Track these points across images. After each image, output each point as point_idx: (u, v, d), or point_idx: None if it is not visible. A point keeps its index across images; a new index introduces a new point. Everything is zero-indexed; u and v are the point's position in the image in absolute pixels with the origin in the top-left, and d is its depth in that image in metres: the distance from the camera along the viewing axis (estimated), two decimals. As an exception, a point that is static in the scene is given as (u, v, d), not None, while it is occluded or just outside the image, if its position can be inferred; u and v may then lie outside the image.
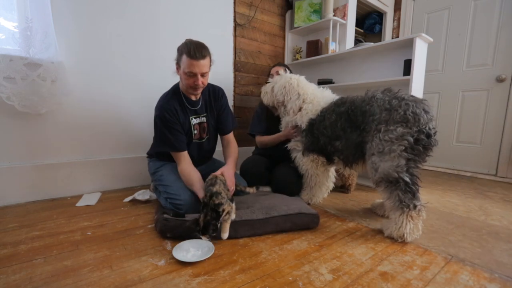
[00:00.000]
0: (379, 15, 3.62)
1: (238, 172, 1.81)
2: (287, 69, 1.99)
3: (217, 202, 1.12)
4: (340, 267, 1.00)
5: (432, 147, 1.20)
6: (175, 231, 1.17)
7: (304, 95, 1.62)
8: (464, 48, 2.72)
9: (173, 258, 1.01)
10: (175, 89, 1.51)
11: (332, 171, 1.72)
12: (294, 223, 1.29)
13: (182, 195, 1.35)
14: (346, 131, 1.40)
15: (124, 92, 1.92)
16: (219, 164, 1.66)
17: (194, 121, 1.53)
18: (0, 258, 1.00)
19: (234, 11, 2.46)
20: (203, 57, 1.32)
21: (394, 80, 1.98)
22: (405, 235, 1.18)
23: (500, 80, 2.48)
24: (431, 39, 1.92)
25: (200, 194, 1.30)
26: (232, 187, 1.34)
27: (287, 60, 2.94)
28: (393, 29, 3.43)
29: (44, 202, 1.63)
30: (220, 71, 2.39)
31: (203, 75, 1.36)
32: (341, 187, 2.01)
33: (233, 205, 1.21)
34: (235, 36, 2.50)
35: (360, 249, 1.14)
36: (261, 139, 1.92)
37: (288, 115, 1.68)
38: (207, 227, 1.08)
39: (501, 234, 1.31)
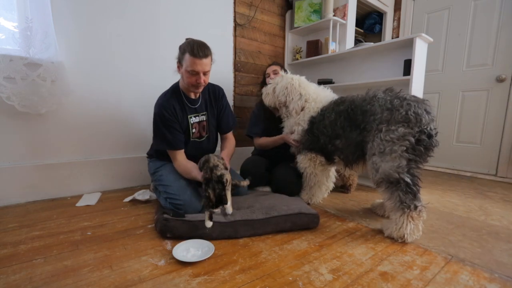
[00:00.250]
0: (379, 15, 3.62)
1: (238, 172, 1.81)
2: (283, 69, 1.99)
3: (219, 173, 1.19)
4: (340, 267, 1.00)
5: (433, 148, 1.20)
6: (175, 231, 1.17)
7: (306, 95, 1.63)
8: (464, 48, 2.72)
9: (173, 258, 1.01)
10: (175, 87, 1.52)
11: (332, 171, 1.72)
12: (294, 223, 1.29)
13: (182, 195, 1.36)
14: (345, 130, 1.40)
15: (124, 92, 1.92)
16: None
17: (194, 119, 1.53)
18: (0, 258, 1.00)
19: (234, 11, 2.46)
20: (206, 56, 1.35)
21: (394, 80, 1.98)
22: (406, 235, 1.18)
23: (500, 80, 2.48)
24: (431, 39, 1.92)
25: (200, 177, 1.31)
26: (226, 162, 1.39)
27: (287, 60, 2.94)
28: (393, 29, 3.43)
29: (44, 202, 1.63)
30: (220, 71, 2.38)
31: (205, 73, 1.39)
32: (341, 187, 2.01)
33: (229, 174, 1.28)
34: (235, 36, 2.50)
35: (360, 249, 1.14)
36: (259, 141, 1.91)
37: (291, 115, 1.68)
38: (220, 199, 1.15)
39: (501, 234, 1.31)
